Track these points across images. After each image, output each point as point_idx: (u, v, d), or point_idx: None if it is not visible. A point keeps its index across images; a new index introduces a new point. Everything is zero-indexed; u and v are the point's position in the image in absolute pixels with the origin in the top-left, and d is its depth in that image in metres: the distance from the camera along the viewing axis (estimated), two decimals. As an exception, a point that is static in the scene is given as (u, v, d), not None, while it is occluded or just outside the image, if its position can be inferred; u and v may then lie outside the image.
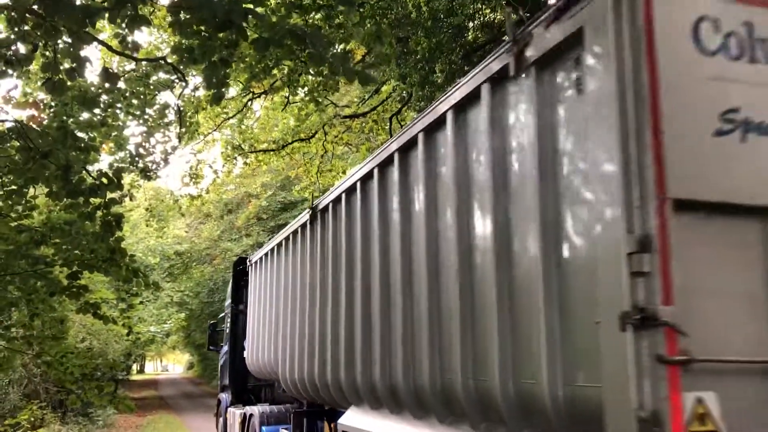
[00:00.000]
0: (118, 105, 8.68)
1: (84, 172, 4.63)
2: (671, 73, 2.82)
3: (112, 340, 18.55)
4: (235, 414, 11.69)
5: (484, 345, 3.72)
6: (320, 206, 7.17)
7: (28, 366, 15.65)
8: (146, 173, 10.08)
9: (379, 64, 10.89)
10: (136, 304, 20.64)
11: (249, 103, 13.43)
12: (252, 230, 33.03)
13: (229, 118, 13.46)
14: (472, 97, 4.01)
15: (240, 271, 12.69)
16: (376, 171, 5.42)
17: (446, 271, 4.23)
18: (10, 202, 6.25)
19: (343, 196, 6.32)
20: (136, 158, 9.73)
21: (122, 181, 4.79)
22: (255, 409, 10.49)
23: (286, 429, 9.13)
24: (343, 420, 6.15)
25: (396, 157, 5.00)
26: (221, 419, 13.45)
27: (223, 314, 14.54)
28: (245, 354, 11.53)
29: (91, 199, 4.56)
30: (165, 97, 40.39)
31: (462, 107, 4.13)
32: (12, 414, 13.80)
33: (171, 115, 10.57)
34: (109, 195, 4.69)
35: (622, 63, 2.81)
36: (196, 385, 42.67)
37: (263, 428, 9.90)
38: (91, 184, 4.49)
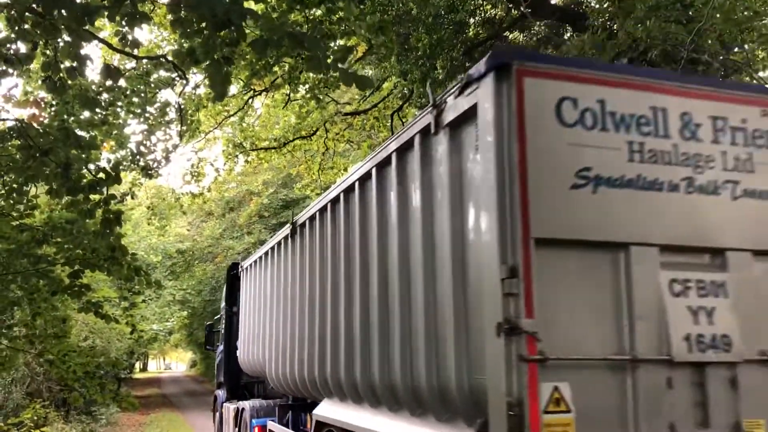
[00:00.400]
0: (119, 103, 8.68)
1: (84, 169, 4.62)
2: (537, 142, 3.73)
3: (115, 338, 18.57)
4: (229, 409, 12.67)
5: (416, 348, 4.75)
6: (299, 222, 8.20)
7: (30, 365, 15.67)
8: (147, 171, 10.08)
9: (380, 60, 10.87)
10: (139, 303, 20.65)
11: (250, 100, 13.41)
12: (254, 228, 33.03)
13: (230, 116, 13.44)
14: (409, 144, 5.01)
15: (233, 275, 13.45)
16: (342, 195, 6.46)
17: (393, 284, 5.22)
18: (11, 201, 6.25)
19: (317, 214, 7.34)
20: (137, 156, 9.73)
21: (121, 176, 4.78)
22: (246, 404, 11.36)
23: (272, 421, 10.10)
24: (317, 411, 7.18)
25: (356, 185, 6.08)
26: (217, 414, 14.47)
27: (219, 316, 15.49)
28: (238, 353, 12.43)
29: (91, 196, 4.55)
30: (166, 95, 40.43)
31: (403, 150, 5.13)
32: (15, 413, 13.82)
33: (172, 113, 10.57)
34: (109, 191, 4.69)
35: (501, 133, 3.73)
36: (199, 383, 42.74)
37: (253, 421, 10.81)
38: (90, 181, 4.48)
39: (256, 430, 10.58)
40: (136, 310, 8.59)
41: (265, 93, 13.37)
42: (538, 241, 3.63)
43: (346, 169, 15.34)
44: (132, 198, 11.57)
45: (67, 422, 18.07)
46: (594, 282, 3.85)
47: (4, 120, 5.33)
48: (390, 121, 13.26)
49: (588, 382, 3.70)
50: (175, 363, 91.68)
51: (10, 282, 6.07)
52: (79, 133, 5.30)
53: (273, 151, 14.47)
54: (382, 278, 5.47)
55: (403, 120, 14.15)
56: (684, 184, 4.21)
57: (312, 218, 7.65)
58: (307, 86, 11.36)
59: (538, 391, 3.49)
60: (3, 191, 5.81)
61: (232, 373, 13.32)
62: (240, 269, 12.81)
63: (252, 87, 12.09)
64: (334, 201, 6.78)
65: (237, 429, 11.95)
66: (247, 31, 3.51)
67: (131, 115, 9.18)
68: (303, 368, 7.65)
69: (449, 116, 4.38)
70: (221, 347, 14.48)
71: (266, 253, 10.42)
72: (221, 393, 14.22)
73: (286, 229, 8.97)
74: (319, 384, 7.13)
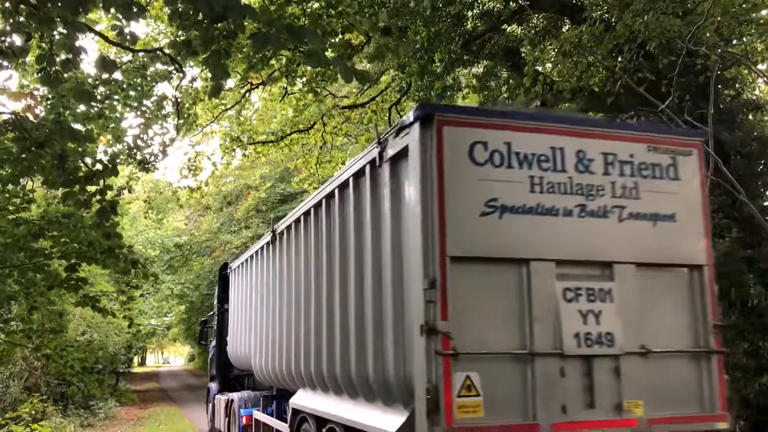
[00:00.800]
0: (116, 97, 8.63)
1: (80, 162, 4.59)
2: (453, 178, 4.76)
3: (113, 332, 18.56)
4: (220, 400, 13.78)
5: (366, 346, 5.75)
6: (278, 230, 9.22)
7: (28, 359, 15.66)
8: (144, 165, 10.05)
9: (382, 55, 10.83)
10: (137, 297, 20.46)
11: (247, 94, 13.37)
12: (251, 222, 33.00)
13: (227, 110, 13.40)
14: (362, 172, 6.01)
15: (224, 274, 14.50)
16: (312, 210, 7.60)
17: (350, 290, 6.25)
18: (7, 195, 6.22)
19: (293, 224, 8.42)
20: (134, 150, 9.69)
21: (118, 168, 4.76)
22: (235, 395, 12.51)
23: (257, 410, 11.13)
24: (293, 399, 8.24)
25: (323, 202, 7.10)
26: (210, 405, 15.53)
27: (212, 313, 16.34)
28: (228, 348, 13.66)
29: (88, 187, 4.53)
30: (162, 88, 40.29)
31: (357, 176, 6.15)
32: (13, 407, 13.81)
33: (169, 107, 10.51)
34: (105, 182, 4.68)
35: (424, 171, 4.77)
36: (197, 377, 42.72)
37: (241, 411, 11.95)
38: (86, 172, 4.46)
39: (244, 419, 11.69)
40: (133, 304, 8.52)
41: (262, 86, 13.33)
42: (452, 259, 4.67)
43: (343, 163, 15.29)
44: (129, 192, 11.54)
45: (66, 416, 18.07)
46: (500, 291, 4.88)
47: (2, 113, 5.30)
48: (388, 114, 13.24)
49: (495, 371, 4.71)
50: (173, 357, 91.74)
51: (6, 276, 6.05)
52: (76, 126, 5.27)
53: (270, 144, 14.43)
54: (343, 285, 6.47)
55: (401, 113, 14.11)
56: (577, 209, 5.21)
57: (288, 228, 8.65)
58: (304, 79, 11.32)
59: (452, 379, 4.54)
60: (-1, 185, 5.80)
61: (224, 366, 14.39)
62: (229, 270, 13.92)
63: (249, 80, 12.05)
64: (306, 214, 7.87)
65: (227, 419, 12.97)
66: (245, 23, 3.48)
67: (128, 109, 9.14)
68: (282, 362, 8.77)
69: (390, 152, 5.45)
70: (214, 342, 15.58)
71: (251, 257, 11.48)
72: (214, 386, 15.17)
73: (267, 236, 9.98)
74: (295, 376, 8.22)
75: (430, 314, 4.63)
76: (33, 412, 11.43)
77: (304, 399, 7.95)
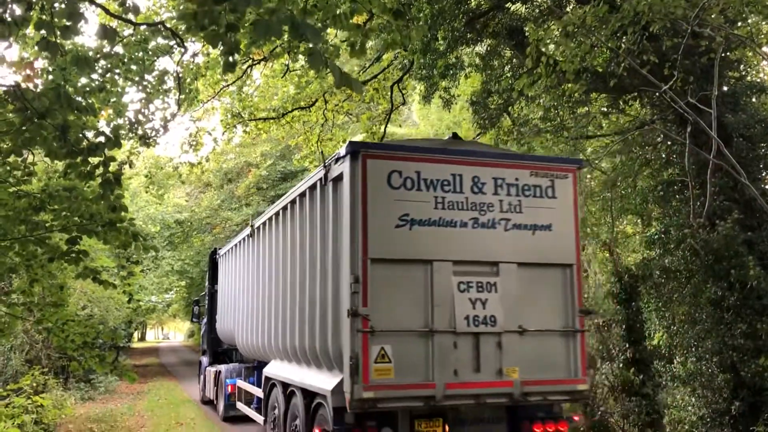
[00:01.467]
0: (117, 71, 8.58)
1: (82, 135, 4.57)
2: (374, 198, 6.43)
3: (113, 307, 18.64)
4: (210, 372, 16.07)
5: (315, 324, 7.56)
6: (255, 225, 11.21)
7: (29, 332, 15.75)
8: (145, 140, 10.01)
9: (395, 44, 10.72)
10: (137, 272, 20.59)
11: (248, 70, 13.28)
12: (252, 200, 32.99)
13: (228, 85, 13.32)
14: (314, 187, 7.79)
15: (214, 259, 16.42)
16: (280, 212, 9.44)
17: (304, 281, 8.10)
18: (8, 168, 6.21)
19: (267, 222, 10.24)
20: (135, 125, 9.66)
21: (120, 140, 4.75)
22: (223, 367, 14.56)
23: (240, 380, 13.19)
24: (265, 369, 10.09)
25: (288, 206, 8.97)
26: (202, 377, 17.84)
27: (203, 293, 18.30)
28: (217, 325, 15.62)
29: (90, 159, 4.53)
30: (164, 63, 40.02)
31: (311, 189, 7.91)
32: (14, 379, 13.92)
33: (170, 82, 10.44)
34: (108, 153, 4.67)
35: (354, 193, 6.47)
36: (196, 353, 42.92)
37: (227, 380, 13.89)
38: (89, 144, 4.45)
39: (229, 388, 13.73)
40: (133, 280, 8.59)
41: (263, 62, 13.25)
42: (372, 260, 6.43)
43: (344, 141, 15.24)
44: (130, 167, 11.52)
45: (66, 389, 18.20)
46: (409, 284, 6.60)
47: (1, 86, 5.27)
48: (390, 92, 13.17)
49: (403, 344, 6.47)
50: (173, 333, 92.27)
51: (7, 249, 6.05)
52: (76, 98, 5.24)
53: (272, 121, 14.38)
54: (300, 277, 8.30)
55: (403, 92, 14.04)
56: (471, 222, 6.92)
57: (263, 224, 10.51)
58: (306, 56, 11.23)
59: (369, 350, 6.29)
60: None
61: (213, 342, 16.34)
62: (218, 255, 15.91)
63: (251, 56, 11.97)
64: (276, 215, 9.67)
65: (216, 388, 15.16)
66: (248, 10, 3.46)
67: (129, 83, 9.07)
68: (258, 338, 10.61)
69: (332, 175, 7.15)
70: (205, 320, 17.35)
71: (234, 246, 13.50)
72: (205, 359, 17.36)
73: (247, 230, 11.91)
74: (267, 349, 10.06)
75: (354, 302, 6.38)
76: (34, 385, 11.51)
77: (273, 368, 9.71)
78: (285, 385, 8.99)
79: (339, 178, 7.00)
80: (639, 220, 16.44)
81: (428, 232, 6.81)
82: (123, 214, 5.17)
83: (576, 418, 9.24)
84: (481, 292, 6.93)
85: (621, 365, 9.77)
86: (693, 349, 9.80)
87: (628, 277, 9.81)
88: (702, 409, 9.90)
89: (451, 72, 11.15)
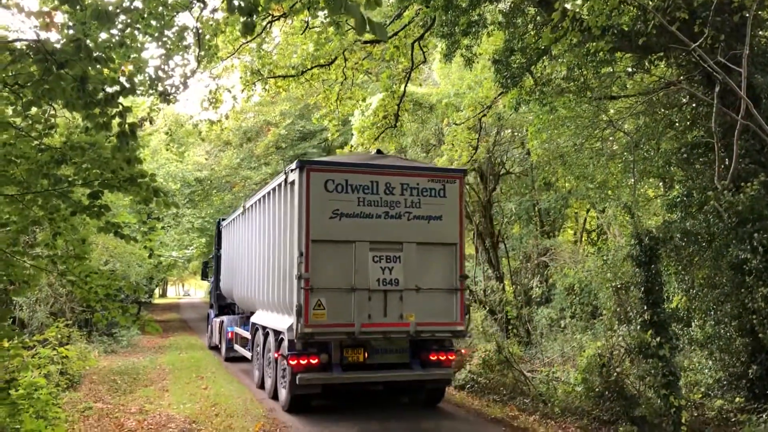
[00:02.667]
0: (137, 26, 8.52)
1: (100, 84, 4.56)
2: (314, 198, 9.92)
3: (135, 263, 18.92)
4: (216, 322, 20.25)
5: (279, 283, 11.24)
6: (246, 206, 14.67)
7: (53, 286, 16.05)
8: (165, 96, 10.00)
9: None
10: (158, 229, 21.02)
11: (268, 26, 13.15)
12: (271, 159, 33.04)
13: (247, 42, 13.21)
14: (279, 187, 11.13)
15: (219, 227, 20.50)
16: (258, 201, 12.98)
17: (273, 253, 11.71)
18: (30, 121, 6.24)
19: (252, 206, 13.78)
20: (156, 81, 9.63)
21: (135, 87, 4.73)
22: (225, 318, 18.38)
23: (237, 327, 16.98)
24: (252, 317, 13.60)
25: (264, 198, 12.50)
26: (209, 327, 21.95)
27: (211, 255, 22.56)
28: (221, 284, 19.50)
29: (107, 110, 4.53)
30: (184, 18, 39.75)
31: (278, 188, 11.29)
32: (40, 330, 14.24)
33: (190, 38, 10.37)
34: (125, 104, 4.66)
35: (301, 194, 9.96)
36: (217, 310, 43.55)
37: (227, 328, 17.71)
38: (106, 94, 4.45)
39: (229, 334, 17.48)
40: (154, 236, 8.79)
41: (283, 19, 13.10)
42: (313, 241, 9.80)
43: (364, 100, 15.14)
44: (150, 123, 11.54)
45: (90, 342, 18.62)
46: (338, 257, 9.91)
47: (20, 40, 5.26)
48: (410, 50, 12.99)
49: (333, 297, 9.85)
50: (193, 289, 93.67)
51: (30, 202, 6.12)
52: (96, 54, 5.21)
53: (291, 79, 14.28)
54: (270, 249, 12.03)
55: (424, 50, 13.85)
56: (383, 214, 10.21)
57: (250, 207, 14.15)
58: (326, 11, 11.08)
59: (310, 301, 9.73)
60: (19, 109, 5.79)
61: (219, 297, 20.11)
62: (222, 225, 19.96)
63: (270, 12, 11.84)
64: (257, 202, 13.24)
65: (219, 335, 19.31)
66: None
67: (148, 39, 9.02)
68: (247, 293, 14.44)
69: (290, 179, 10.45)
70: (212, 279, 21.76)
71: (233, 220, 17.33)
72: (212, 312, 21.50)
73: (240, 209, 15.52)
74: (253, 302, 13.80)
75: (300, 269, 9.89)
76: (59, 336, 11.77)
77: (256, 317, 13.27)
78: (263, 328, 12.60)
79: (293, 183, 10.38)
80: (661, 183, 16.24)
81: (352, 222, 10.19)
82: (142, 168, 5.18)
83: (464, 351, 13.22)
84: (389, 262, 10.34)
85: (638, 327, 9.76)
86: (712, 313, 9.76)
87: (648, 239, 9.73)
88: (719, 372, 9.90)
89: (474, 29, 10.95)
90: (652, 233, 9.88)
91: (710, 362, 10.12)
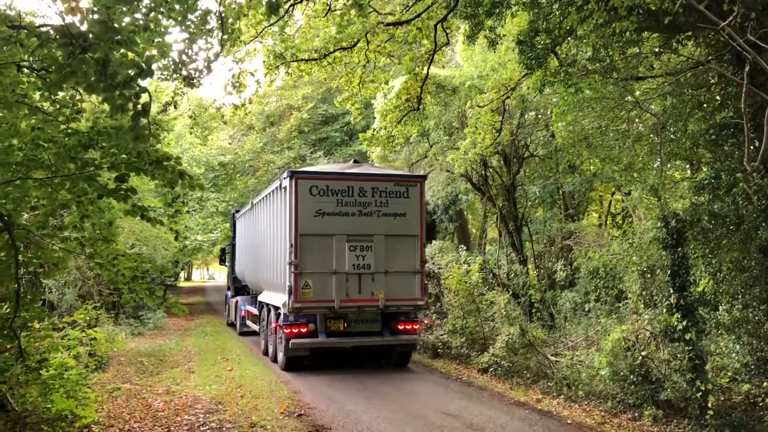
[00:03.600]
0: (161, 9, 8.54)
1: (121, 65, 4.59)
2: (302, 200, 12.80)
3: (161, 246, 19.15)
4: (232, 302, 23.42)
5: (276, 268, 14.51)
6: (254, 202, 17.52)
7: (81, 269, 16.32)
8: (189, 81, 10.03)
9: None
10: (183, 212, 21.60)
11: (290, 9, 13.10)
12: (294, 143, 33.12)
13: (270, 26, 13.17)
14: (276, 189, 14.33)
15: (234, 218, 23.59)
16: (262, 200, 16.10)
17: (272, 243, 15.00)
18: (57, 106, 6.33)
19: (258, 203, 16.50)
20: (179, 65, 9.66)
21: (152, 69, 4.75)
22: (239, 298, 21.39)
23: (249, 306, 19.54)
24: (259, 297, 16.43)
25: (267, 197, 15.50)
26: (227, 306, 25.17)
27: (228, 243, 25.93)
28: (236, 268, 22.65)
29: (125, 92, 4.58)
30: (207, 2, 39.77)
31: (276, 190, 14.42)
32: (69, 313, 14.50)
33: (213, 22, 10.37)
34: (141, 84, 4.70)
35: (291, 197, 12.88)
36: (241, 293, 43.99)
37: (241, 307, 20.71)
38: (125, 76, 4.48)
39: (243, 312, 20.38)
40: (180, 219, 9.01)
41: (305, 1, 13.05)
42: (301, 235, 12.71)
43: (387, 83, 15.06)
44: (175, 107, 11.61)
45: (117, 324, 18.93)
46: (321, 247, 12.77)
47: (47, 26, 5.32)
48: (434, 31, 12.87)
49: (318, 279, 12.80)
50: (218, 273, 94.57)
51: (58, 186, 6.21)
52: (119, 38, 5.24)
53: (313, 63, 14.24)
54: (269, 240, 14.96)
55: (447, 31, 13.72)
56: (357, 212, 13.04)
57: (257, 203, 16.95)
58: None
59: (299, 282, 12.68)
60: (46, 93, 5.88)
61: (234, 280, 23.10)
62: (236, 216, 23.19)
63: (293, -6, 11.79)
64: (261, 200, 16.04)
65: (235, 313, 22.13)
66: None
67: (172, 22, 9.04)
68: (255, 276, 17.67)
69: (283, 185, 13.40)
70: (229, 264, 24.97)
71: (244, 213, 20.36)
72: (229, 293, 24.57)
73: (249, 204, 18.77)
74: (260, 283, 16.78)
75: (291, 256, 12.61)
76: (87, 319, 11.97)
77: (262, 296, 16.05)
78: (267, 305, 15.32)
79: (285, 188, 13.24)
80: (688, 165, 15.99)
81: (332, 219, 12.98)
82: (167, 150, 5.22)
83: (426, 321, 16.22)
84: (362, 251, 13.07)
85: (664, 311, 9.66)
86: (740, 296, 9.63)
87: (675, 222, 9.60)
88: (746, 357, 9.78)
89: (498, 10, 10.82)
90: (679, 216, 9.75)
91: (738, 346, 9.99)
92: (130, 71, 4.48)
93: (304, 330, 12.95)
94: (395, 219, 13.26)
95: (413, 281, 13.38)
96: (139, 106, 4.60)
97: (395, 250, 13.24)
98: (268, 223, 15.35)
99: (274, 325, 14.42)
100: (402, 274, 13.29)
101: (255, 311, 17.60)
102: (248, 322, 19.45)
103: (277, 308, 13.93)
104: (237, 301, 21.63)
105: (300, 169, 15.62)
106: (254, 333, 18.52)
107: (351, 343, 13.63)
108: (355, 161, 15.18)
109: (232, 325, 23.10)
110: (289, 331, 12.96)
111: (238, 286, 22.40)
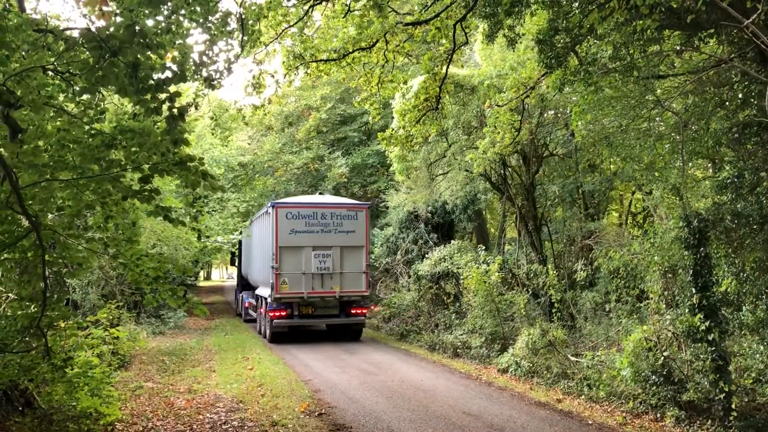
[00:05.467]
0: (182, 12, 8.62)
1: (151, 71, 4.65)
2: (280, 223, 18.59)
3: (182, 246, 19.32)
4: (240, 296, 28.72)
5: (263, 272, 21.00)
6: (253, 220, 24.86)
7: (104, 268, 16.51)
8: (210, 82, 10.11)
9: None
10: (204, 212, 22.57)
11: (310, 10, 13.16)
12: (312, 143, 33.21)
13: (289, 27, 13.24)
14: (264, 214, 21.28)
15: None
16: (260, 218, 22.25)
17: (261, 251, 21.82)
18: (82, 107, 6.41)
19: (253, 222, 24.16)
20: (200, 67, 9.74)
21: (186, 74, 4.81)
22: (244, 293, 26.92)
23: (250, 299, 24.98)
24: (256, 292, 22.92)
25: (261, 218, 21.96)
26: (237, 300, 31.07)
27: (238, 247, 29.30)
28: (242, 269, 28.82)
29: (158, 95, 4.63)
30: (227, 4, 40.10)
31: (263, 215, 21.34)
32: (92, 312, 14.68)
33: (233, 23, 10.45)
34: (174, 89, 4.75)
35: (273, 220, 18.74)
36: (260, 293, 44.17)
37: (245, 300, 26.31)
38: (157, 80, 4.54)
39: (246, 304, 25.77)
40: (201, 220, 9.24)
41: (324, 2, 13.09)
42: (280, 247, 18.38)
43: (405, 82, 15.06)
44: (195, 108, 11.70)
45: (138, 324, 19.11)
46: (296, 255, 18.51)
47: (73, 29, 5.39)
48: (453, 31, 12.84)
49: (292, 277, 18.36)
50: (235, 273, 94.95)
51: (83, 186, 6.29)
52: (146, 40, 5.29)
53: (332, 63, 14.28)
54: (261, 250, 21.53)
55: (466, 30, 13.70)
56: (320, 230, 18.78)
57: (254, 221, 23.97)
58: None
59: (279, 280, 18.26)
60: (73, 95, 5.94)
61: (242, 278, 29.19)
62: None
63: (312, -5, 11.83)
64: (257, 219, 22.91)
65: (240, 304, 27.93)
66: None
67: (193, 24, 9.12)
68: (253, 275, 24.44)
69: (268, 212, 19.69)
70: (237, 266, 31.03)
71: (251, 223, 25.54)
72: (238, 290, 30.57)
73: (249, 220, 25.77)
74: (256, 281, 23.10)
75: (273, 261, 18.39)
76: (110, 318, 12.12)
77: (259, 291, 21.65)
78: (260, 297, 20.97)
79: (269, 214, 18.73)
80: (710, 164, 15.81)
81: (302, 236, 18.39)
82: (188, 151, 5.27)
83: (373, 307, 23.68)
84: (324, 258, 18.47)
85: (686, 311, 9.57)
86: (764, 297, 9.52)
87: (697, 221, 9.50)
88: (770, 357, 9.67)
89: (517, 9, 10.78)
90: (702, 215, 9.66)
91: (761, 347, 9.87)
92: (161, 75, 4.54)
93: (283, 314, 18.43)
94: (347, 234, 18.93)
95: (361, 278, 18.92)
96: (175, 110, 4.67)
97: (347, 257, 18.87)
98: (260, 237, 21.90)
99: (262, 310, 20.57)
100: (352, 274, 18.87)
101: (254, 302, 23.51)
102: (250, 311, 24.83)
103: (265, 299, 19.76)
104: (242, 296, 27.69)
105: (279, 201, 20.47)
106: (254, 320, 23.71)
107: (318, 322, 19.67)
108: (320, 193, 23.44)
109: (239, 315, 28.44)
110: (273, 314, 18.53)
111: (245, 283, 27.97)
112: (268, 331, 19.37)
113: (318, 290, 18.41)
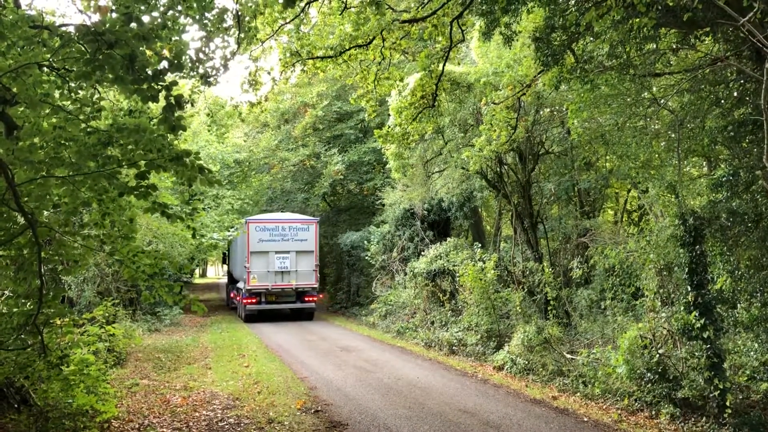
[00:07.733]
0: (178, 8, 8.60)
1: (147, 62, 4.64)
2: (251, 234, 25.27)
3: (177, 243, 19.28)
4: (229, 288, 33.93)
5: (242, 269, 27.03)
6: (248, 222, 26.03)
7: (100, 266, 16.47)
8: (206, 79, 10.08)
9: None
10: (199, 209, 22.26)
11: (306, 7, 13.13)
12: (308, 141, 33.17)
13: (286, 23, 13.21)
14: (242, 225, 25.65)
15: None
16: (258, 223, 25.96)
17: (239, 256, 28.83)
18: (79, 104, 6.39)
19: (252, 223, 25.72)
20: (197, 63, 9.71)
21: (182, 63, 4.81)
22: (230, 286, 33.48)
23: (234, 290, 30.81)
24: (237, 284, 29.55)
25: (260, 222, 26.12)
26: (226, 291, 37.55)
27: (227, 249, 32.68)
28: (229, 266, 34.75)
29: (154, 84, 4.63)
30: (223, 0, 39.97)
31: (241, 227, 25.35)
32: (88, 309, 14.65)
33: (229, 20, 10.42)
34: (170, 79, 4.74)
35: (247, 231, 25.31)
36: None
37: (230, 291, 32.90)
38: (153, 70, 4.53)
39: (231, 294, 31.89)
40: (197, 217, 9.09)
41: (321, -1, 13.06)
42: (251, 252, 24.94)
43: (402, 80, 15.04)
44: (191, 105, 11.66)
45: (134, 321, 19.09)
46: (263, 258, 25.08)
47: (67, 25, 5.37)
48: (449, 28, 12.84)
49: (260, 274, 24.89)
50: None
51: (80, 183, 6.27)
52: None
53: (329, 60, 14.26)
54: (240, 253, 27.73)
55: (462, 28, 13.70)
56: (280, 239, 25.32)
57: (253, 222, 25.80)
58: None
59: (250, 276, 24.73)
60: (66, 92, 5.92)
61: (229, 274, 34.46)
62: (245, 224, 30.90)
63: (309, -8, 11.80)
64: (253, 223, 25.61)
65: (227, 295, 34.84)
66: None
67: (189, 21, 9.09)
68: (235, 271, 30.95)
69: (245, 226, 25.78)
70: (227, 264, 37.22)
71: (245, 229, 26.72)
72: (228, 285, 34.97)
73: (244, 226, 25.72)
74: (237, 276, 29.97)
75: (246, 263, 24.85)
76: (106, 315, 12.10)
77: (238, 284, 28.38)
78: (239, 289, 26.99)
79: (244, 226, 24.90)
80: (705, 163, 15.85)
81: (268, 243, 25.05)
82: (185, 147, 5.26)
83: (320, 296, 28.92)
84: (284, 259, 25.09)
85: (682, 309, 9.61)
86: (758, 294, 9.55)
87: (693, 219, 9.54)
88: (765, 355, 9.71)
89: (514, 7, 10.78)
90: (697, 213, 9.69)
91: (756, 345, 9.92)
92: (157, 66, 4.53)
93: (253, 301, 24.91)
94: (301, 242, 25.18)
95: (311, 275, 25.13)
96: (171, 99, 4.71)
97: (301, 259, 25.06)
98: (240, 244, 27.43)
99: (239, 298, 26.93)
100: (305, 271, 25.09)
101: (236, 293, 29.38)
102: (234, 300, 30.14)
103: (241, 290, 25.99)
104: (229, 288, 34.17)
105: (251, 217, 26.21)
106: (236, 308, 29.51)
107: (280, 308, 25.38)
108: (282, 211, 31.36)
109: (228, 305, 33.36)
110: (246, 301, 24.97)
111: (231, 278, 33.20)
112: (243, 314, 25.85)
113: (279, 283, 24.80)
